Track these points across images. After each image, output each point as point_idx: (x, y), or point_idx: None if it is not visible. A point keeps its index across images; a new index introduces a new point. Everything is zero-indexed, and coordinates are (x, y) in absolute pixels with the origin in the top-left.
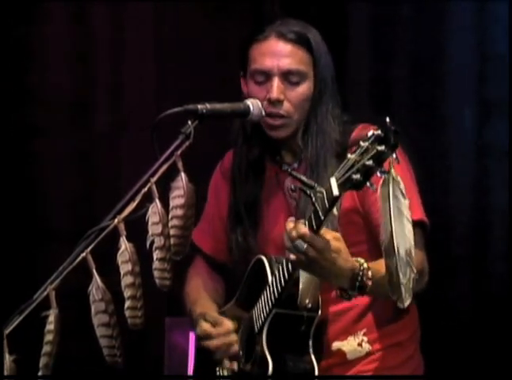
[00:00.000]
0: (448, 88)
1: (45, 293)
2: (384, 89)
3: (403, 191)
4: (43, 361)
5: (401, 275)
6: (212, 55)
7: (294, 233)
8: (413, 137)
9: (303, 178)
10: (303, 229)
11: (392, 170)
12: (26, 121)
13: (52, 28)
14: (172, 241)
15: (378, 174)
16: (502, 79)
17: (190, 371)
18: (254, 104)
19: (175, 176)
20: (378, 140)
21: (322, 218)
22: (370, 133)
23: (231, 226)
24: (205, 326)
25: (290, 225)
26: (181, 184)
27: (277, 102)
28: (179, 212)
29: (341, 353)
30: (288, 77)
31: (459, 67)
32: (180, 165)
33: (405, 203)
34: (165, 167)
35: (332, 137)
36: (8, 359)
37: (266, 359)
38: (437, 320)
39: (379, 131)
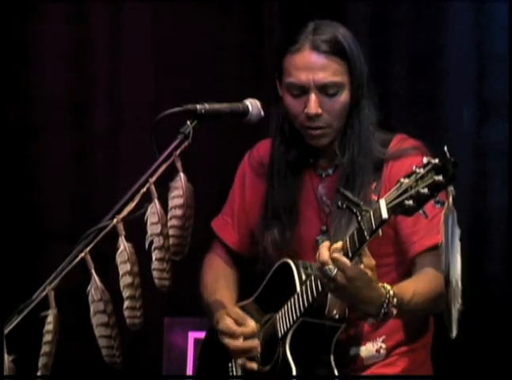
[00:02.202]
0: (446, 88)
1: (44, 293)
2: (382, 88)
3: (456, 219)
4: (42, 361)
5: (452, 307)
6: (211, 55)
7: (326, 256)
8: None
9: (350, 195)
10: (337, 253)
11: (451, 202)
12: (24, 121)
13: (51, 27)
14: (171, 241)
15: (432, 203)
16: (501, 79)
17: (189, 371)
18: (252, 105)
19: (174, 176)
20: (435, 169)
21: (368, 238)
22: (426, 160)
23: (268, 224)
24: (229, 322)
25: (325, 247)
26: (179, 184)
27: (315, 117)
28: (178, 212)
29: (359, 358)
30: (325, 89)
31: (457, 67)
32: (179, 165)
33: (458, 233)
34: (164, 167)
35: (370, 144)
36: (6, 359)
37: (289, 364)
38: (434, 320)
39: (436, 160)
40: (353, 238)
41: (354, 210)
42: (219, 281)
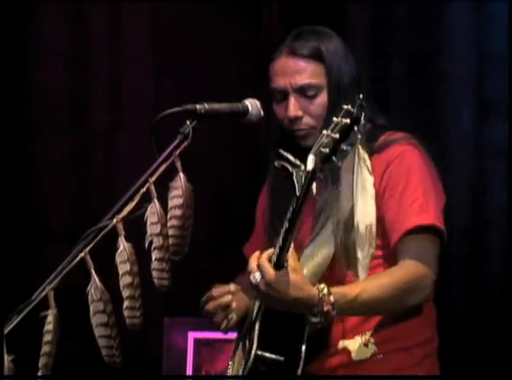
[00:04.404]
0: (446, 88)
1: (44, 293)
2: (382, 88)
3: (369, 168)
4: (42, 361)
5: (358, 251)
6: (211, 55)
7: (253, 265)
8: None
9: (290, 157)
10: (262, 258)
11: (358, 145)
12: (24, 121)
13: (51, 27)
14: (170, 241)
15: (344, 148)
16: (501, 79)
17: (189, 371)
18: (252, 105)
19: (174, 176)
20: (346, 114)
21: (298, 194)
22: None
23: (268, 228)
24: (212, 291)
25: (253, 257)
26: (179, 184)
27: (296, 119)
28: (178, 212)
29: (346, 351)
30: (304, 92)
31: (457, 67)
32: (178, 165)
33: (369, 180)
34: (163, 167)
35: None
36: (6, 359)
37: (252, 343)
38: (438, 323)
39: (349, 106)
40: (292, 202)
41: (290, 169)
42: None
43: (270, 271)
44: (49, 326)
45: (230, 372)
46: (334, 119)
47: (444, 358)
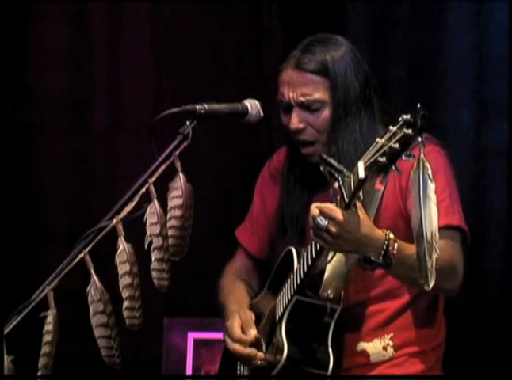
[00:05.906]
0: (446, 88)
1: (43, 293)
2: (382, 89)
3: (431, 175)
4: (42, 361)
5: (427, 258)
6: (210, 55)
7: (315, 210)
8: None
9: (334, 162)
10: (324, 204)
11: (422, 155)
12: (24, 121)
13: (50, 27)
14: (170, 241)
15: (403, 158)
16: (501, 79)
17: (188, 371)
18: (252, 105)
19: (173, 176)
20: (406, 124)
21: (347, 200)
22: (400, 118)
23: (278, 235)
24: (236, 324)
25: (314, 205)
26: (179, 185)
27: (298, 131)
28: (177, 213)
29: (365, 354)
30: (307, 106)
31: (457, 67)
32: (178, 165)
33: (432, 187)
34: (163, 167)
35: (357, 156)
36: (6, 359)
37: (283, 345)
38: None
39: (408, 116)
40: (337, 206)
41: (336, 175)
42: (236, 283)
43: (339, 211)
44: (49, 326)
45: (239, 373)
46: (391, 128)
47: (444, 358)
